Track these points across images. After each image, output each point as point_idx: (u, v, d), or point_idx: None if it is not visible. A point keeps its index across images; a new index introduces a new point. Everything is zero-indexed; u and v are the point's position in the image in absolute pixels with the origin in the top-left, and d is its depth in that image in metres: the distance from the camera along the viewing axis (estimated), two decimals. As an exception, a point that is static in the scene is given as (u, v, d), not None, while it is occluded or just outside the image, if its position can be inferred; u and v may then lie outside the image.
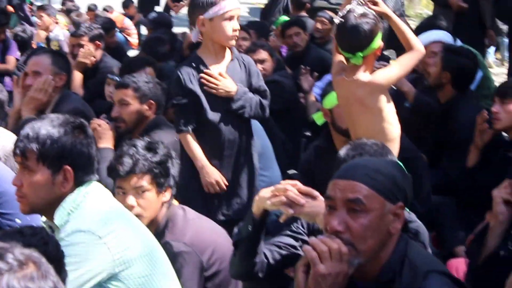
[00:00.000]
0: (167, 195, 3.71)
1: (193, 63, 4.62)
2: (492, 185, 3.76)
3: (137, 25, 14.54)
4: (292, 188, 3.26)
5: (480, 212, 4.57)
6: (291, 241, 3.49)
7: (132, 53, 10.59)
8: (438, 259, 3.11)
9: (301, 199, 3.22)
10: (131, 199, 3.61)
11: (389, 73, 4.33)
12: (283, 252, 3.49)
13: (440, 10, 8.16)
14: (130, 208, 3.49)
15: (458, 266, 3.96)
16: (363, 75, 4.22)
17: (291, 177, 4.90)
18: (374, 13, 4.10)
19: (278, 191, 3.06)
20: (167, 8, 14.84)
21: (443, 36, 6.45)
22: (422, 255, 2.99)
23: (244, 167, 4.73)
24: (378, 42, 4.14)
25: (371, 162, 2.98)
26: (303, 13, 9.74)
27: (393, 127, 4.25)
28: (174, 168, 3.72)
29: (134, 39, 14.15)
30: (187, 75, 4.58)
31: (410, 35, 4.37)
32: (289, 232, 3.52)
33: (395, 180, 2.85)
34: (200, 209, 4.14)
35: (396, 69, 4.34)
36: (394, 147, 4.09)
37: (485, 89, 6.37)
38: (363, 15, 4.04)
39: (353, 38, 4.01)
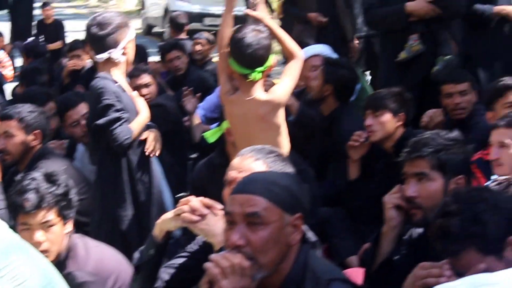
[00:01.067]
0: (69, 226, 3.67)
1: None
2: (375, 194, 3.90)
3: (11, 57, 14.33)
4: (196, 199, 3.32)
5: (369, 222, 4.69)
6: (187, 261, 3.50)
7: (9, 86, 10.34)
8: (338, 268, 3.19)
9: (204, 209, 3.28)
10: (39, 235, 3.54)
11: (285, 88, 4.44)
12: (180, 273, 3.50)
13: (302, 27, 8.42)
14: (37, 244, 3.43)
15: (357, 275, 4.06)
16: (262, 93, 4.32)
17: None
18: (265, 28, 4.25)
19: (181, 208, 3.14)
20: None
21: (321, 49, 6.64)
22: (323, 264, 3.05)
23: None
24: (272, 58, 4.21)
25: (268, 175, 3.02)
26: (183, 35, 9.87)
27: (286, 142, 4.39)
28: (75, 198, 3.70)
29: (8, 71, 13.91)
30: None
31: (290, 43, 4.51)
32: (185, 253, 3.53)
33: (292, 192, 2.91)
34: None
35: (289, 81, 4.45)
36: None
37: (362, 100, 6.55)
38: (259, 30, 4.18)
39: (255, 54, 4.12)
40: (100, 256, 3.69)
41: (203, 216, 3.35)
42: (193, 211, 3.19)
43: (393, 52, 6.86)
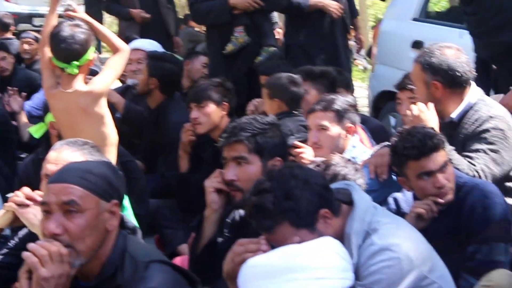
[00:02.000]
0: None
1: None
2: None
3: None
4: (20, 193, 3.32)
5: (200, 211, 4.81)
6: (7, 258, 3.47)
7: None
8: (158, 250, 3.23)
9: (26, 200, 3.29)
10: None
11: (105, 79, 4.52)
12: (1, 271, 3.47)
13: (126, 24, 8.57)
14: None
15: (183, 262, 4.13)
16: (81, 85, 4.36)
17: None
18: (83, 24, 4.34)
19: (9, 204, 3.16)
20: None
21: (143, 44, 6.72)
22: (141, 248, 3.11)
23: None
24: (92, 52, 4.26)
25: (83, 164, 3.05)
26: (9, 35, 9.82)
27: (113, 132, 4.46)
28: None
29: None
30: None
31: (113, 37, 4.61)
32: (5, 250, 3.49)
33: (108, 179, 2.95)
34: None
35: (110, 73, 4.55)
36: (114, 152, 4.36)
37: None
38: (76, 25, 4.25)
39: (69, 47, 4.21)
40: None
41: (26, 206, 3.36)
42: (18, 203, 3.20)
43: (220, 44, 6.99)
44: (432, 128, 3.91)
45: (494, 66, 5.59)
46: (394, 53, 7.46)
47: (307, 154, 4.52)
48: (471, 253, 3.82)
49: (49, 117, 4.79)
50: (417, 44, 7.06)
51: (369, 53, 10.12)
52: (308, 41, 7.11)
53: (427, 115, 4.17)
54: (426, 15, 7.84)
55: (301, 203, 3.08)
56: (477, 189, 3.92)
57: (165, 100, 5.95)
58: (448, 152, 3.98)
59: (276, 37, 7.64)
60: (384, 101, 7.42)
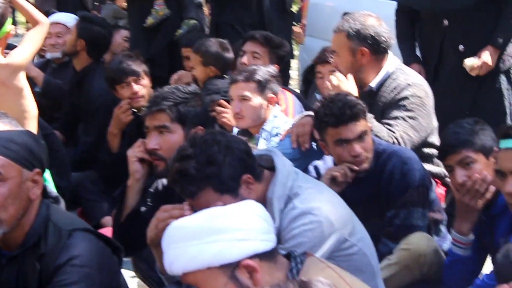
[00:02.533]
0: None
1: None
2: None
3: None
4: None
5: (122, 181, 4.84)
6: None
7: None
8: (81, 219, 3.26)
9: None
10: None
11: (24, 52, 4.48)
12: None
13: None
14: None
15: (107, 234, 4.16)
16: (0, 58, 4.33)
17: None
18: None
19: None
20: None
21: (63, 18, 6.81)
22: (65, 217, 3.13)
23: None
24: (8, 26, 4.27)
25: (4, 134, 3.05)
26: None
27: (33, 105, 4.45)
28: None
29: None
30: None
31: (32, 10, 4.58)
32: None
33: (29, 148, 2.96)
34: None
35: (29, 46, 4.50)
36: (35, 124, 4.36)
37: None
38: None
39: None
40: None
41: None
42: None
43: (140, 17, 7.02)
44: (356, 97, 3.98)
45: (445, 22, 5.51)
46: (324, 25, 7.41)
47: (229, 115, 4.59)
48: (390, 218, 3.94)
49: None
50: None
51: None
52: (235, 18, 7.19)
53: (346, 85, 4.26)
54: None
55: (224, 169, 3.12)
56: (396, 156, 4.03)
57: (91, 63, 5.96)
58: (368, 120, 4.06)
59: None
60: (314, 74, 7.39)
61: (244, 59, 5.38)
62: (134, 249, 3.71)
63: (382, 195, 4.04)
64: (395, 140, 4.30)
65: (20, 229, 2.97)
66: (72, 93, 5.84)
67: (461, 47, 5.13)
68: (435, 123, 4.74)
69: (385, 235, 3.89)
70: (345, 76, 4.35)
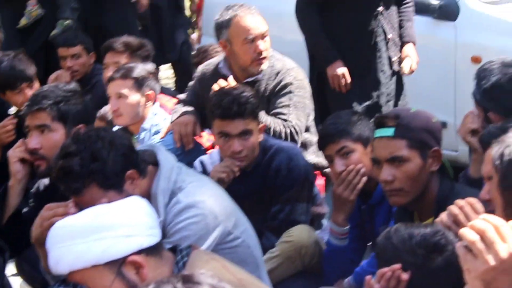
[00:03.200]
0: None
1: None
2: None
3: None
4: None
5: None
6: None
7: None
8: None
9: None
10: None
11: None
12: None
13: None
14: None
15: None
16: None
17: None
18: None
19: None
20: None
21: None
22: None
23: None
24: None
25: None
26: None
27: None
28: None
29: None
30: None
31: None
32: None
33: None
34: None
35: None
36: None
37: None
38: None
39: None
40: None
41: None
42: None
43: (13, 18, 6.92)
44: (252, 94, 4.10)
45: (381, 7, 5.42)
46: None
47: None
48: (274, 212, 4.02)
49: None
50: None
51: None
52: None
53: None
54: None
55: (108, 164, 3.13)
56: (283, 152, 4.11)
57: None
58: (260, 120, 4.15)
59: None
60: None
61: (108, 72, 5.32)
62: (17, 250, 3.67)
63: (267, 190, 4.10)
64: (292, 129, 4.39)
65: None
66: None
67: (390, 35, 5.20)
68: (311, 104, 4.82)
69: (268, 229, 3.95)
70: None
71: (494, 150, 2.33)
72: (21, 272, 4.04)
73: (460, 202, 2.73)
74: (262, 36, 4.62)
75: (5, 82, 5.42)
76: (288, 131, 4.35)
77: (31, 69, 5.44)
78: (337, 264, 3.75)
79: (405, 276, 2.74)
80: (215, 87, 4.32)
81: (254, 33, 4.60)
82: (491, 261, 2.11)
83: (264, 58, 4.58)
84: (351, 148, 3.82)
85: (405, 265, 2.74)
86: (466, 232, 2.18)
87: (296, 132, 4.44)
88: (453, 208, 2.67)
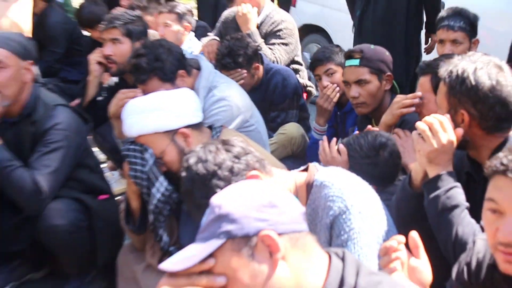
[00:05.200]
0: None
1: None
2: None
3: None
4: None
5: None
6: None
7: None
8: (62, 98, 3.37)
9: None
10: None
11: None
12: None
13: None
14: None
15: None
16: None
17: None
18: None
19: None
20: None
21: None
22: (50, 96, 3.30)
23: None
24: None
25: (4, 34, 3.22)
26: None
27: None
28: None
29: None
30: None
31: None
32: None
33: (24, 45, 3.11)
34: None
35: None
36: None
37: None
38: None
39: None
40: None
41: None
42: None
43: None
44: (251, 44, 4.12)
45: None
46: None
47: None
48: (272, 117, 4.14)
49: None
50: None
51: None
52: None
53: (252, 15, 4.45)
54: None
55: (166, 64, 3.22)
56: (279, 73, 4.20)
57: (46, 6, 5.56)
58: (259, 46, 4.25)
59: None
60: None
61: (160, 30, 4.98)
62: (94, 126, 3.76)
63: (267, 100, 4.17)
64: (275, 59, 4.44)
65: (18, 103, 3.09)
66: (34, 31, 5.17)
67: None
68: (299, 46, 4.83)
69: (268, 128, 3.97)
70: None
71: (442, 70, 2.33)
72: (96, 142, 4.06)
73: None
74: None
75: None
76: (273, 59, 4.43)
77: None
78: (316, 152, 3.76)
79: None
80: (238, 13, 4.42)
81: None
82: (435, 145, 2.23)
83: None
84: (334, 70, 3.87)
85: (361, 160, 2.77)
86: (420, 124, 2.26)
87: (277, 63, 4.49)
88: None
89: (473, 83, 2.25)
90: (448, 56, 2.84)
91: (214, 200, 1.53)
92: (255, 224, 1.46)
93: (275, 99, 4.15)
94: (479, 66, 2.19)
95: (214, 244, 1.47)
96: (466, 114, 2.26)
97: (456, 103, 2.29)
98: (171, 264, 1.50)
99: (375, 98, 3.33)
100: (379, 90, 3.31)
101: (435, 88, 2.85)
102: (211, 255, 1.47)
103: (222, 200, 1.51)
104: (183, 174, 2.22)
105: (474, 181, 2.30)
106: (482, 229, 2.05)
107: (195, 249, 1.50)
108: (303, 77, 4.73)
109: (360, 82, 3.26)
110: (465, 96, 2.27)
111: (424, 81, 3.02)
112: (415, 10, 4.49)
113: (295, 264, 1.47)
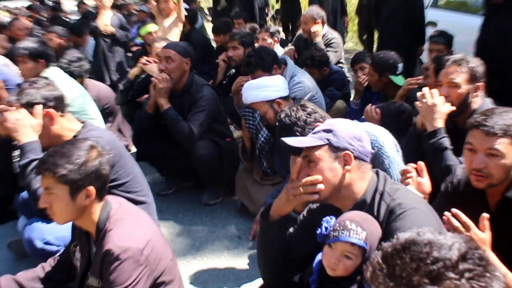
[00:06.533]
0: None
1: None
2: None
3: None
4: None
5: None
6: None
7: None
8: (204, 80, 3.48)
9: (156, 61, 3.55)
10: None
11: None
12: None
13: None
14: None
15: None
16: None
17: None
18: None
19: None
20: None
21: None
22: (199, 79, 3.36)
23: None
24: None
25: (177, 43, 3.32)
26: None
27: None
28: None
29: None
30: None
31: None
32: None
33: (185, 47, 3.27)
34: None
35: None
36: None
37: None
38: None
39: None
40: None
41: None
42: None
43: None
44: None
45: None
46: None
47: None
48: (327, 94, 3.95)
49: None
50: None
51: None
52: None
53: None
54: None
55: (266, 61, 3.32)
56: (335, 70, 4.07)
57: None
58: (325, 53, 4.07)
59: None
60: None
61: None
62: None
63: (327, 84, 4.04)
64: (327, 58, 4.25)
65: (180, 83, 3.38)
66: None
67: None
68: (343, 53, 4.69)
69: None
70: None
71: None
72: (225, 111, 3.85)
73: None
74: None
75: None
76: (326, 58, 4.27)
77: None
78: (353, 116, 3.38)
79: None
80: None
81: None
82: (424, 105, 2.34)
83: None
84: (365, 66, 3.89)
85: (389, 120, 2.77)
86: (419, 94, 2.41)
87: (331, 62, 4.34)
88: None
89: None
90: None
91: (329, 121, 1.68)
92: (345, 144, 1.59)
93: (333, 84, 4.28)
94: None
95: (320, 141, 1.59)
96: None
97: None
98: (291, 141, 1.63)
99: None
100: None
101: (435, 72, 2.97)
102: (314, 147, 1.58)
103: (335, 122, 1.65)
104: (277, 124, 2.38)
105: (455, 135, 2.32)
106: (460, 162, 2.16)
107: (308, 139, 1.63)
108: (345, 71, 4.77)
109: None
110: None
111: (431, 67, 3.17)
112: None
113: (353, 177, 1.60)
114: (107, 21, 5.53)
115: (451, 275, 0.80)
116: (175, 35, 5.00)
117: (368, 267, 0.86)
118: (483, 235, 1.62)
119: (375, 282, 0.83)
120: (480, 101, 2.51)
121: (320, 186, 1.55)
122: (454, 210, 1.62)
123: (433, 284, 0.80)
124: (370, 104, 2.96)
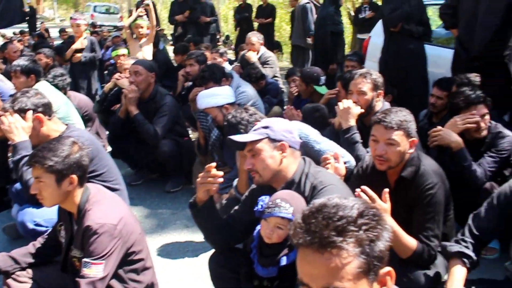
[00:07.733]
0: None
1: None
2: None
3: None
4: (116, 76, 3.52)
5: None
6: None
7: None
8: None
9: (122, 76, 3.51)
10: None
11: None
12: None
13: None
14: None
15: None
16: None
17: None
18: None
19: None
20: None
21: None
22: (162, 89, 3.31)
23: None
24: None
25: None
26: None
27: None
28: None
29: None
30: None
31: None
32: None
33: (151, 65, 3.23)
34: None
35: None
36: None
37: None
38: None
39: None
40: None
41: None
42: None
43: None
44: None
45: None
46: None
47: None
48: (265, 100, 3.86)
49: None
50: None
51: None
52: None
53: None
54: None
55: (216, 75, 3.24)
56: (271, 82, 4.04)
57: None
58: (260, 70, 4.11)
59: None
60: None
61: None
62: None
63: (265, 93, 4.02)
64: (267, 75, 4.26)
65: (147, 92, 3.34)
66: None
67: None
68: (278, 68, 4.66)
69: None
70: None
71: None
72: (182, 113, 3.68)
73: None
74: None
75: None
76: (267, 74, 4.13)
77: None
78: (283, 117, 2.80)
79: None
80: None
81: None
82: (338, 109, 2.37)
83: None
84: (296, 79, 3.83)
85: (308, 116, 2.78)
86: (339, 103, 2.40)
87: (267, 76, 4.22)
88: None
89: None
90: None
91: (266, 119, 1.70)
92: (280, 136, 1.65)
93: (269, 93, 4.25)
94: None
95: (260, 136, 1.65)
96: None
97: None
98: (236, 137, 1.66)
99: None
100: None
101: (343, 86, 3.01)
102: (256, 141, 1.61)
103: (271, 120, 1.71)
104: (225, 124, 2.37)
105: (363, 131, 2.37)
106: (367, 152, 2.23)
107: (250, 135, 1.67)
108: (280, 83, 4.74)
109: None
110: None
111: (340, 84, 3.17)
112: None
113: (288, 161, 1.66)
114: (83, 44, 5.43)
115: (352, 228, 0.86)
116: (149, 53, 4.93)
117: (292, 226, 0.91)
118: (385, 205, 1.67)
119: (296, 237, 0.87)
120: (381, 104, 2.60)
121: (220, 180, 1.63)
122: (363, 187, 1.67)
123: (339, 236, 0.85)
124: (287, 106, 3.03)
